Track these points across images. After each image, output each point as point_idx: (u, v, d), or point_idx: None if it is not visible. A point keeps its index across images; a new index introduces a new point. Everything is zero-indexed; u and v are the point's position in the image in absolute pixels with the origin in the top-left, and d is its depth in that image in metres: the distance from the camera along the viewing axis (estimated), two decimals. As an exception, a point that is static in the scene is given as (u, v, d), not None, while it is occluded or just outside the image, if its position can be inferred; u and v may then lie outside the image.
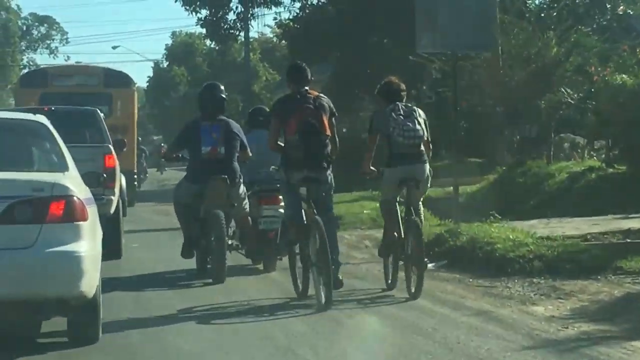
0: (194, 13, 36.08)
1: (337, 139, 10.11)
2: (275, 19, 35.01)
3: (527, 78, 18.29)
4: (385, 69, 27.53)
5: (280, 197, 11.09)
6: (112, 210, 13.22)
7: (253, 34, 44.59)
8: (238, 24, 37.04)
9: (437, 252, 12.66)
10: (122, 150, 14.67)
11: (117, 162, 13.62)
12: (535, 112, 18.02)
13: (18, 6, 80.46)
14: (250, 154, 11.85)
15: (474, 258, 11.89)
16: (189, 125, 11.87)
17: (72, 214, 7.29)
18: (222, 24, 36.54)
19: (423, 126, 10.07)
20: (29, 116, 8.77)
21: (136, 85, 27.64)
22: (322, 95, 10.18)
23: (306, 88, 10.01)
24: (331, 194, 10.17)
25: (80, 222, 7.35)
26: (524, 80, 18.27)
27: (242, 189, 11.79)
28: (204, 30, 42.43)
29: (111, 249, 12.53)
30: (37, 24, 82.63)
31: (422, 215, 10.32)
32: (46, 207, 7.22)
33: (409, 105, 10.33)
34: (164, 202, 20.42)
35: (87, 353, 7.65)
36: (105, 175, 11.32)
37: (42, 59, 78.28)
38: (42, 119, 8.56)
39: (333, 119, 10.01)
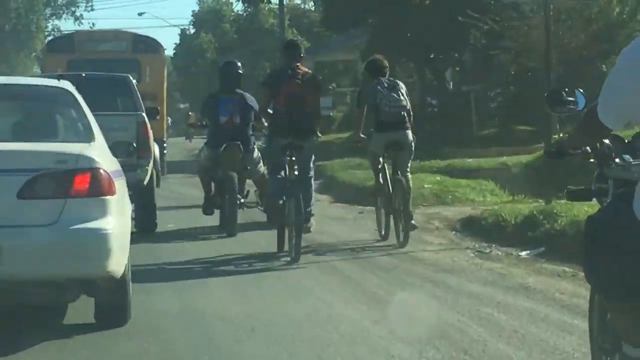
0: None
1: (321, 113, 11.83)
2: None
3: (588, 40, 17.25)
4: (427, 32, 26.62)
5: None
6: (146, 181, 12.79)
7: None
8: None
9: (532, 238, 11.08)
10: (155, 118, 14.41)
11: (150, 131, 13.14)
12: (597, 77, 16.88)
13: (43, -28, 79.82)
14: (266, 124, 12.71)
15: (581, 246, 10.20)
16: (210, 98, 13.48)
17: (98, 188, 6.87)
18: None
19: (405, 97, 11.58)
20: (53, 82, 8.31)
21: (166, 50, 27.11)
22: (310, 71, 11.69)
23: (297, 64, 11.33)
24: (311, 159, 11.42)
25: (107, 197, 6.92)
26: (584, 42, 17.23)
27: (256, 153, 13.30)
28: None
29: (145, 221, 12.78)
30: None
31: (408, 175, 11.66)
32: (70, 181, 6.78)
33: (392, 79, 11.81)
34: (195, 173, 19.66)
35: (116, 335, 7.27)
36: (136, 144, 10.79)
37: (66, 25, 78.04)
38: (66, 85, 8.11)
39: (318, 93, 11.57)
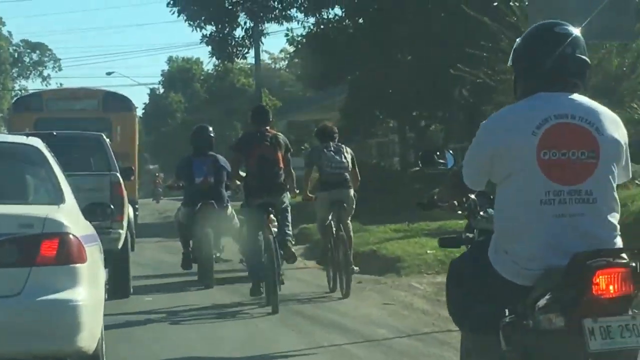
0: (198, 29, 34.36)
1: (292, 171, 12.41)
2: (286, 35, 32.72)
3: (587, 94, 16.25)
4: (409, 88, 25.98)
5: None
6: (120, 245, 12.33)
7: (262, 53, 42.33)
8: (246, 41, 35.34)
9: None
10: (129, 178, 14.28)
11: (125, 192, 12.71)
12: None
13: (9, 33, 79.56)
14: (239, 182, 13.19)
15: None
16: (184, 160, 14.58)
17: (67, 255, 6.28)
18: (230, 41, 34.83)
19: (349, 160, 12.70)
20: (21, 139, 7.69)
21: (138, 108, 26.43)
22: (279, 133, 12.72)
23: (266, 127, 12.29)
24: (287, 214, 12.29)
25: (77, 265, 6.31)
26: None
27: (230, 210, 14.26)
28: (200, 56, 41.28)
29: (119, 287, 12.11)
30: (29, 50, 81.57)
31: (350, 230, 12.79)
32: (36, 247, 6.18)
33: (338, 144, 12.90)
34: (170, 236, 18.60)
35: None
36: (113, 206, 10.18)
37: (34, 86, 77.29)
38: (35, 142, 7.47)
39: (289, 154, 12.37)
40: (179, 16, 33.25)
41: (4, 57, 75.80)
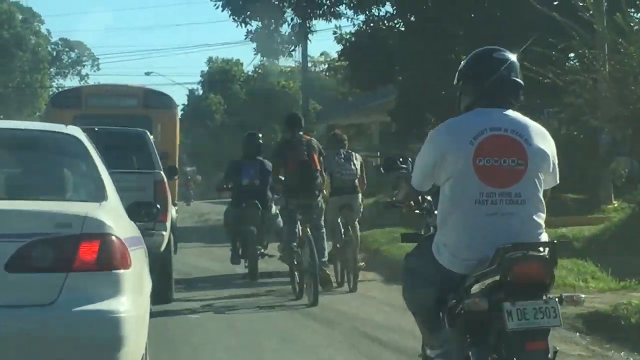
0: (242, 25, 33.61)
1: (324, 174, 13.41)
2: (335, 32, 31.89)
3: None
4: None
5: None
6: (163, 247, 11.78)
7: (311, 49, 41.56)
8: (293, 38, 34.55)
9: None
10: (173, 178, 14.29)
11: (169, 191, 12.25)
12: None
13: (48, 31, 79.35)
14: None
15: None
16: (233, 164, 15.73)
17: (109, 259, 5.59)
18: (276, 38, 34.07)
19: (358, 167, 13.82)
20: (59, 128, 6.95)
21: (178, 107, 25.82)
22: (312, 138, 13.74)
23: (300, 133, 13.28)
24: (321, 215, 13.30)
25: (120, 271, 5.63)
26: None
27: (274, 210, 15.23)
28: (240, 57, 40.55)
29: (160, 292, 11.38)
30: (67, 49, 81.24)
31: (357, 231, 13.81)
32: (74, 250, 5.51)
33: (349, 151, 14.04)
34: (215, 241, 18.76)
35: None
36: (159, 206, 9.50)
37: (72, 84, 76.88)
38: (75, 131, 6.79)
39: (321, 157, 13.27)
40: (223, 10, 32.53)
41: (42, 56, 75.59)
